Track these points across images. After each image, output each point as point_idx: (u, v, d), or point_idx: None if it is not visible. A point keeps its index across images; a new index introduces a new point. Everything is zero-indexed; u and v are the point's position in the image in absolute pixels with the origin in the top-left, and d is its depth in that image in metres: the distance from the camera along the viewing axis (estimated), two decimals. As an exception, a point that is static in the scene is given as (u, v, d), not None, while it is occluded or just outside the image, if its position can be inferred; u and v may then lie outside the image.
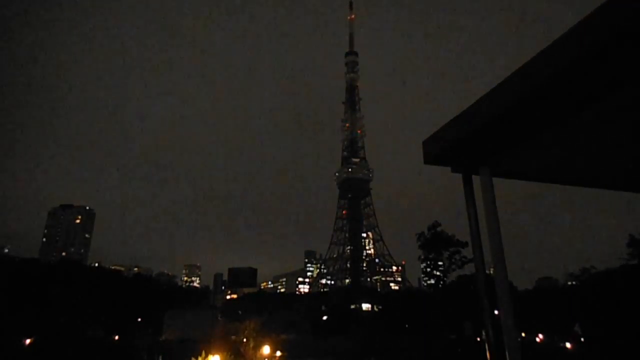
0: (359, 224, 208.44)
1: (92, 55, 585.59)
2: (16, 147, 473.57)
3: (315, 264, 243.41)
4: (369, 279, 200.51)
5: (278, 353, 47.71)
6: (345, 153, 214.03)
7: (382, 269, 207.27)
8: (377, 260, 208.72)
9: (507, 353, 2.25)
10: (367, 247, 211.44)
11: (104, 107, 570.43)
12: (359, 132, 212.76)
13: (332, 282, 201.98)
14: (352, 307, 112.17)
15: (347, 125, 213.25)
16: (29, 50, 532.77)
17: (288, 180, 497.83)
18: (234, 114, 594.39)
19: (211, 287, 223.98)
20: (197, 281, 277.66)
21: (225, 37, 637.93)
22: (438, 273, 61.40)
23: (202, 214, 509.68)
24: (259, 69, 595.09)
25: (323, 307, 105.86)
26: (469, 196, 2.70)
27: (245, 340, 40.89)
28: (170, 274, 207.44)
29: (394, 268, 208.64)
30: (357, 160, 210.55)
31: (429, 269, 62.50)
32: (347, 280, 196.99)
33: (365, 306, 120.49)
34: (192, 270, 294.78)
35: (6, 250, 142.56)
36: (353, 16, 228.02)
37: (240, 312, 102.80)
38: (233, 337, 44.04)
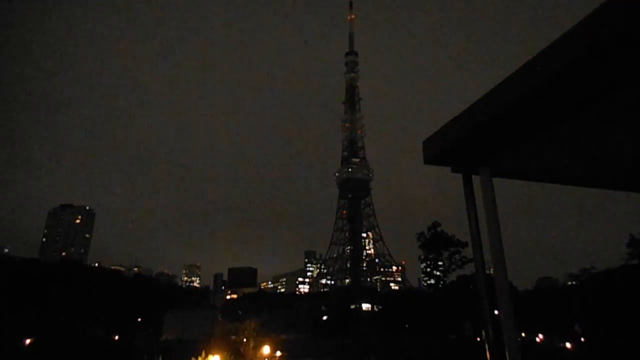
0: (359, 224, 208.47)
1: (93, 55, 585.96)
2: (16, 147, 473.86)
3: (315, 264, 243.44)
4: (369, 279, 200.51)
5: (278, 353, 47.69)
6: (345, 153, 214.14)
7: (382, 269, 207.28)
8: (377, 260, 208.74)
9: (507, 353, 2.25)
10: (367, 247, 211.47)
11: (104, 107, 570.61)
12: (359, 132, 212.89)
13: (332, 282, 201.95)
14: (352, 307, 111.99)
15: (347, 125, 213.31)
16: (29, 50, 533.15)
17: (288, 180, 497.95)
18: (234, 114, 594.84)
19: (211, 287, 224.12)
20: (197, 281, 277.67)
21: (225, 37, 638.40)
22: (438, 273, 61.44)
23: (202, 214, 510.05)
24: (258, 69, 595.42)
25: (323, 307, 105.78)
26: (469, 196, 2.70)
27: (245, 340, 40.85)
28: (170, 274, 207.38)
29: (394, 268, 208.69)
30: (357, 160, 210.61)
31: (429, 269, 62.55)
32: (347, 280, 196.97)
33: (365, 306, 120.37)
34: (192, 270, 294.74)
35: (6, 250, 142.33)
36: (353, 16, 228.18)
37: (240, 312, 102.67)
38: (233, 337, 43.98)
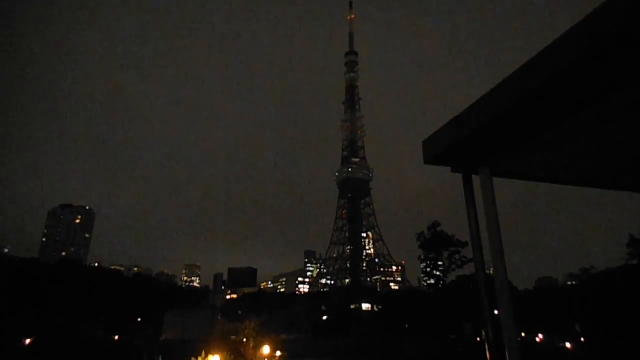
0: (359, 224, 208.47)
1: (93, 54, 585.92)
2: (16, 147, 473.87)
3: (315, 264, 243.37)
4: (369, 279, 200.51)
5: (278, 353, 47.67)
6: (345, 153, 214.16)
7: (382, 269, 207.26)
8: (377, 260, 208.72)
9: (507, 353, 2.25)
10: (367, 247, 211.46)
11: (104, 107, 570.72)
12: (359, 132, 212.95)
13: (332, 282, 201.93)
14: (352, 307, 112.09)
15: (347, 125, 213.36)
16: (29, 49, 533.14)
17: (288, 180, 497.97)
18: (234, 114, 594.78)
19: (211, 287, 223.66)
20: (197, 281, 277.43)
21: (225, 37, 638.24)
22: (438, 273, 61.42)
23: (202, 214, 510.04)
24: (258, 69, 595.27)
25: (323, 307, 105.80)
26: (469, 196, 2.70)
27: (245, 340, 40.82)
28: (170, 274, 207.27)
29: (394, 268, 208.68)
30: (357, 160, 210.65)
31: (429, 269, 62.53)
32: (347, 280, 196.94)
33: (365, 306, 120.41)
34: (192, 270, 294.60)
35: (6, 250, 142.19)
36: (353, 16, 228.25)
37: (240, 312, 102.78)
38: (233, 337, 43.97)
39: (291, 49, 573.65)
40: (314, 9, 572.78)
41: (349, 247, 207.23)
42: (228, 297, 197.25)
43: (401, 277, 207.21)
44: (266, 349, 41.51)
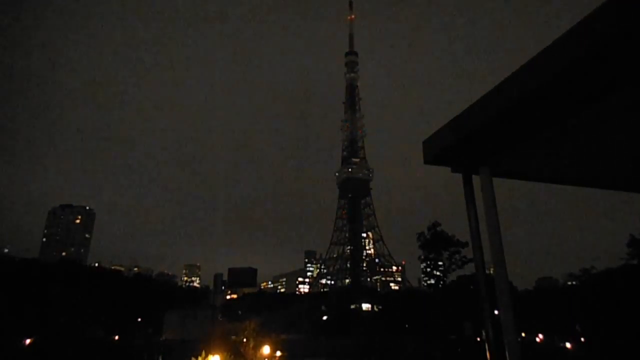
0: (359, 224, 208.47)
1: (94, 54, 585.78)
2: (16, 147, 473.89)
3: (315, 264, 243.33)
4: (369, 279, 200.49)
5: (278, 353, 47.69)
6: (345, 153, 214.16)
7: (382, 269, 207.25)
8: (377, 260, 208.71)
9: (507, 353, 2.25)
10: (367, 247, 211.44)
11: (104, 107, 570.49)
12: (359, 132, 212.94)
13: (332, 282, 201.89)
14: (352, 307, 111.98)
15: (347, 125, 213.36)
16: (29, 49, 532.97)
17: (288, 180, 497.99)
18: (234, 114, 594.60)
19: (211, 287, 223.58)
20: (197, 281, 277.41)
21: (225, 37, 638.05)
22: (438, 273, 61.31)
23: (202, 214, 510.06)
24: (258, 69, 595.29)
25: (323, 307, 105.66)
26: (469, 196, 2.70)
27: (245, 340, 40.81)
28: (170, 274, 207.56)
29: (394, 268, 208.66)
30: (357, 160, 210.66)
31: (429, 269, 62.43)
32: (347, 280, 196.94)
33: (365, 306, 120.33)
34: (192, 270, 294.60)
35: (6, 250, 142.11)
36: (353, 16, 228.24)
37: (240, 312, 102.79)
38: (233, 337, 43.95)
39: (291, 49, 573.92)
40: (314, 9, 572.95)
41: (349, 247, 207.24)
42: (228, 297, 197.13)
43: (401, 277, 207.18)
44: (266, 349, 41.51)
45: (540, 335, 61.75)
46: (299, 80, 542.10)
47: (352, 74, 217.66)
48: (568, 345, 50.65)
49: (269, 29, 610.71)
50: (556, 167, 2.99)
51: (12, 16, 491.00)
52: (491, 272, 2.52)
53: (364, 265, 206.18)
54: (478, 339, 48.21)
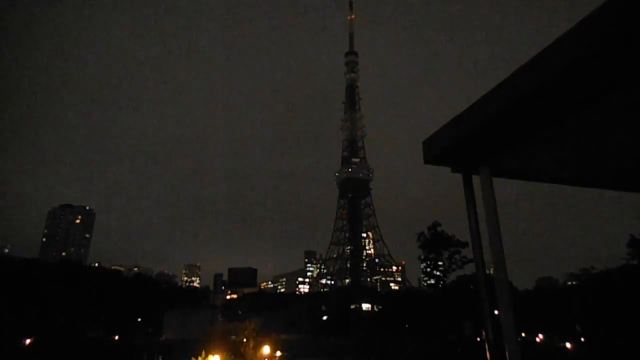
0: (359, 224, 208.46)
1: (93, 54, 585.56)
2: (16, 147, 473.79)
3: (315, 264, 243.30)
4: (369, 279, 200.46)
5: (278, 353, 47.69)
6: (345, 153, 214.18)
7: (382, 269, 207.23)
8: (377, 260, 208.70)
9: (507, 353, 2.25)
10: (367, 247, 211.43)
11: (104, 107, 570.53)
12: (359, 132, 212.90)
13: (332, 282, 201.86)
14: (352, 307, 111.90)
15: (347, 125, 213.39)
16: (29, 49, 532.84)
17: (288, 180, 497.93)
18: (234, 114, 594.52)
19: (211, 287, 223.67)
20: (197, 281, 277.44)
21: (225, 37, 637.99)
22: (438, 273, 61.27)
23: (202, 214, 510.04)
24: (258, 69, 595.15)
25: (323, 307, 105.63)
26: (469, 196, 2.70)
27: (245, 340, 40.81)
28: (170, 274, 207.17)
29: (394, 268, 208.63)
30: (357, 160, 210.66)
31: (429, 269, 62.39)
32: (347, 280, 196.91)
33: (365, 306, 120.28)
34: (192, 270, 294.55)
35: (6, 250, 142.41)
36: (353, 16, 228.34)
37: (240, 312, 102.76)
38: (233, 337, 43.96)
39: (291, 49, 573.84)
40: (314, 9, 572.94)
41: (349, 247, 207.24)
42: (228, 297, 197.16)
43: (401, 277, 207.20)
44: (266, 349, 41.51)
45: (540, 335, 61.73)
46: (299, 80, 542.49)
47: (352, 74, 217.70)
48: (568, 345, 50.62)
49: (269, 28, 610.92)
50: (556, 167, 2.98)
51: (12, 16, 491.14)
52: (491, 272, 2.52)
53: (364, 265, 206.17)
54: (478, 339, 48.19)
